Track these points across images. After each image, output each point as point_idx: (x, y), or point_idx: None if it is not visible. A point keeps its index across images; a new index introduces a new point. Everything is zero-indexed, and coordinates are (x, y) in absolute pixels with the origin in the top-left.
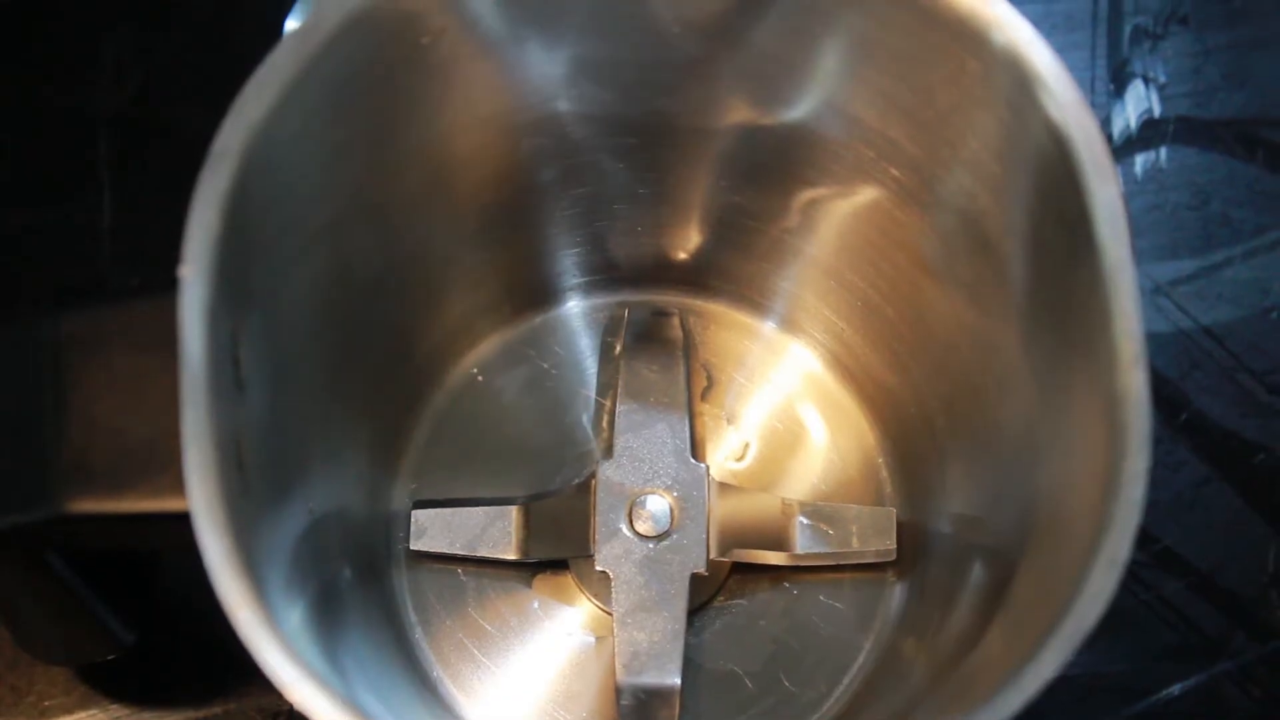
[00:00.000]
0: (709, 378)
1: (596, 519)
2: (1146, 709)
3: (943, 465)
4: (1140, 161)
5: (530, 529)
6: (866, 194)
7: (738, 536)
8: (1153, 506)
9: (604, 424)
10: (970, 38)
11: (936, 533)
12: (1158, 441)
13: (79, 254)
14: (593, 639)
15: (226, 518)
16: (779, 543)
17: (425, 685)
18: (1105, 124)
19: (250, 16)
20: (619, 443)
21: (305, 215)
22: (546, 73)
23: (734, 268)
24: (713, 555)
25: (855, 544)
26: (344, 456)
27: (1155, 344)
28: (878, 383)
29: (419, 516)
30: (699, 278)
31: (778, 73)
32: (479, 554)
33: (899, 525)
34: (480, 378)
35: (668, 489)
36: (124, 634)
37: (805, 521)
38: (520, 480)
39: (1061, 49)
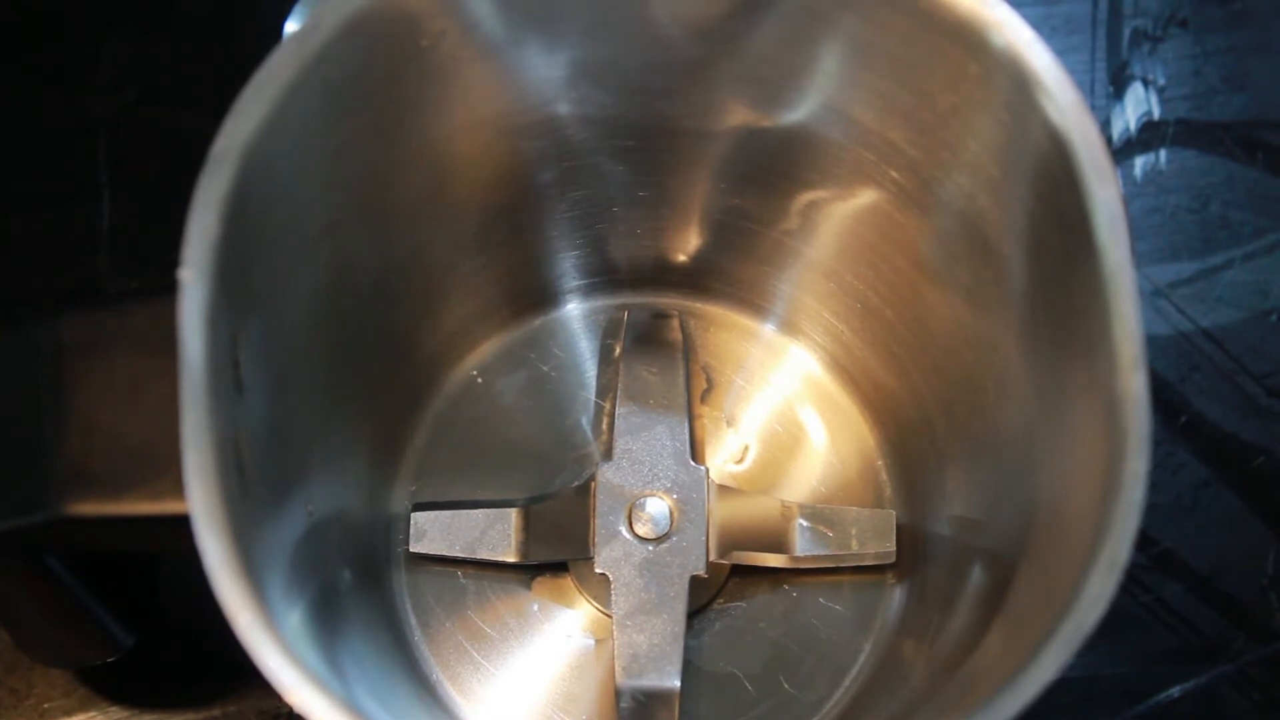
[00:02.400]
0: (708, 380)
1: (596, 521)
2: (1146, 711)
3: (942, 468)
4: (1140, 164)
5: (530, 531)
6: (866, 196)
7: (737, 539)
8: (1152, 509)
9: (603, 426)
10: (969, 41)
11: (936, 535)
12: (1157, 444)
13: (79, 257)
14: (592, 641)
15: (226, 520)
16: (779, 545)
17: (425, 687)
18: (1105, 126)
19: (249, 19)
20: (618, 445)
21: (305, 218)
22: (546, 75)
23: (733, 270)
24: (712, 558)
25: (855, 546)
26: (343, 459)
27: (1155, 346)
28: (877, 385)
29: (418, 519)
30: (698, 280)
31: (777, 76)
32: (478, 556)
33: (898, 528)
34: (480, 380)
35: (667, 491)
36: (124, 637)
37: (805, 524)
38: (520, 482)
39: (1061, 51)
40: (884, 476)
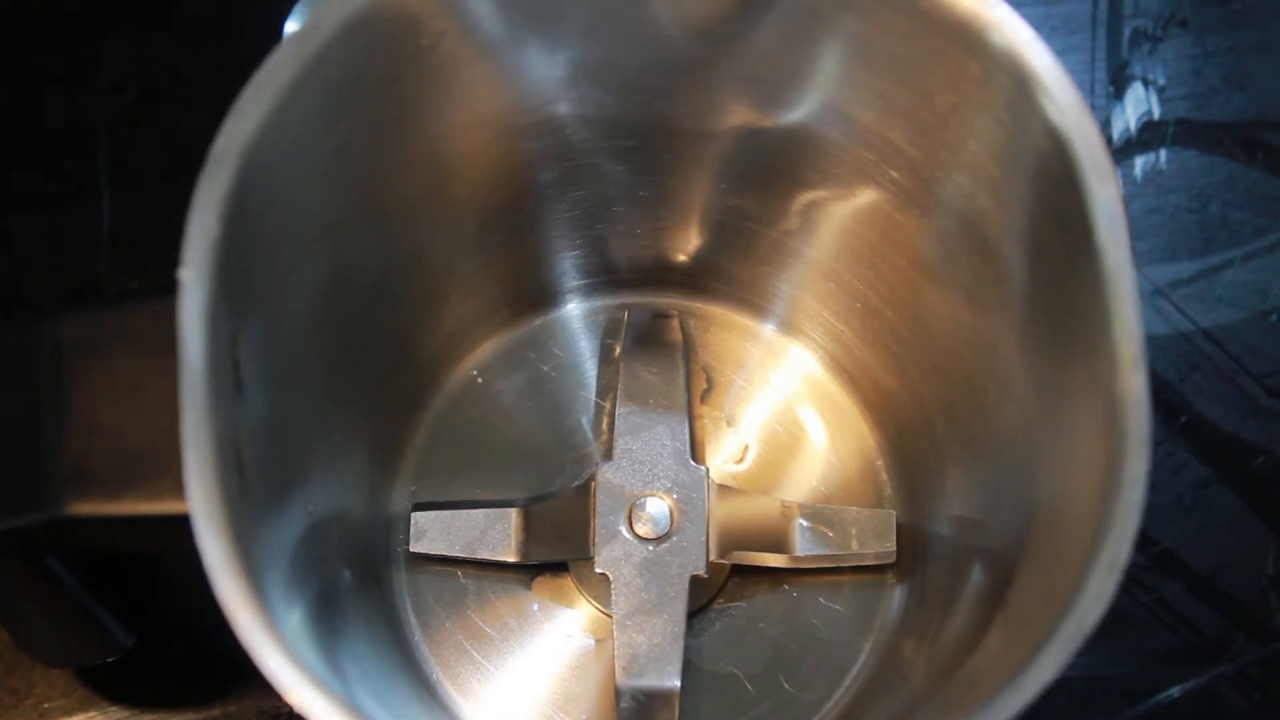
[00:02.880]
0: (709, 380)
1: (596, 521)
2: (1146, 711)
3: (942, 468)
4: (1140, 164)
5: (530, 531)
6: (866, 196)
7: (737, 539)
8: (1152, 509)
9: (604, 426)
10: (969, 40)
11: (936, 535)
12: (1157, 444)
13: (79, 257)
14: (592, 641)
15: (226, 520)
16: (779, 545)
17: (425, 687)
18: (1105, 126)
19: (250, 19)
20: (619, 445)
21: (305, 218)
22: (546, 75)
23: (734, 270)
24: (712, 557)
25: (855, 546)
26: (343, 459)
27: (1155, 346)
28: (877, 385)
29: (418, 519)
30: (699, 280)
31: (777, 76)
32: (478, 556)
33: (898, 527)
34: (480, 380)
35: (667, 491)
36: (124, 636)
37: (805, 524)
38: (520, 482)
39: (1061, 51)
40: (884, 476)
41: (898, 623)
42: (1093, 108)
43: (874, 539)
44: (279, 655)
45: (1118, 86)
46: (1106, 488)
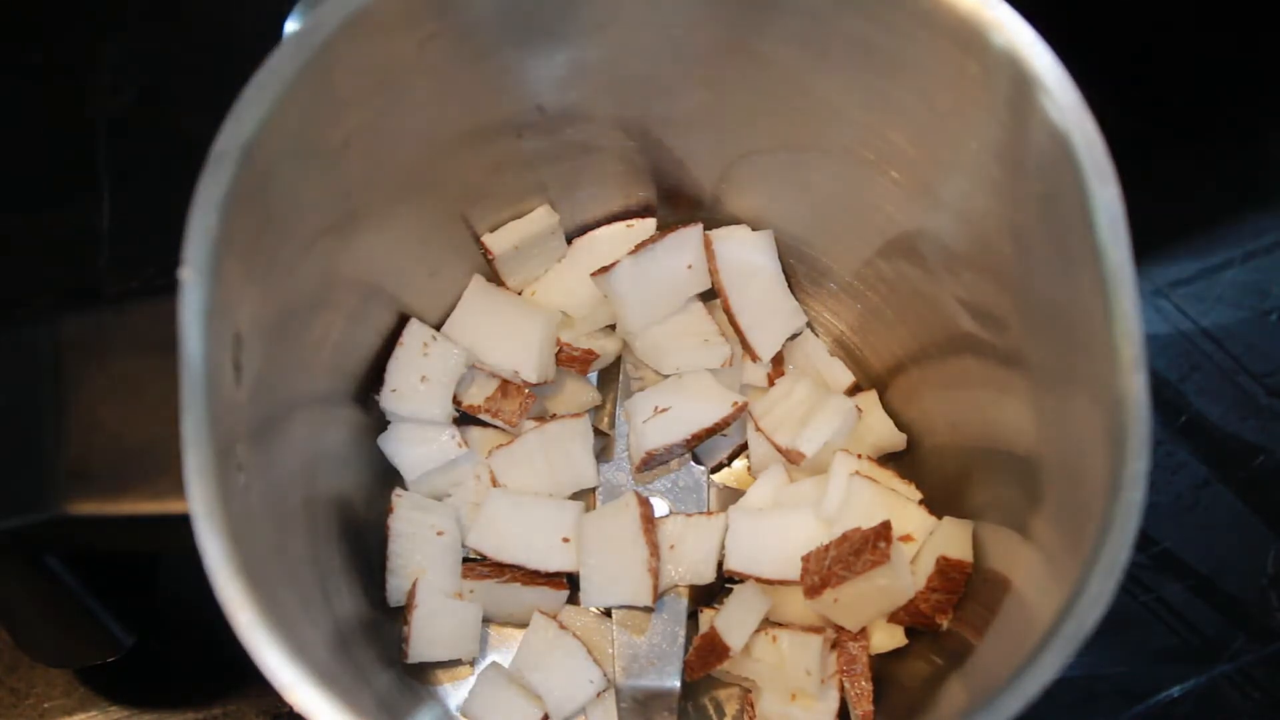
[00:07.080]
0: None
1: None
2: (1146, 711)
3: (943, 467)
4: None
5: None
6: (866, 197)
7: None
8: (1152, 509)
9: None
10: (970, 40)
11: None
12: (1157, 444)
13: (78, 257)
14: None
15: (226, 519)
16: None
17: (414, 676)
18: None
19: (249, 20)
20: (618, 446)
21: (304, 217)
22: (546, 75)
23: None
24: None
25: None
26: (344, 458)
27: (1155, 346)
28: (878, 385)
29: None
30: None
31: (778, 76)
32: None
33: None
34: None
35: (668, 492)
36: (124, 636)
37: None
38: None
39: None
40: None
41: None
42: None
43: None
44: (279, 654)
45: None
46: (1107, 487)
